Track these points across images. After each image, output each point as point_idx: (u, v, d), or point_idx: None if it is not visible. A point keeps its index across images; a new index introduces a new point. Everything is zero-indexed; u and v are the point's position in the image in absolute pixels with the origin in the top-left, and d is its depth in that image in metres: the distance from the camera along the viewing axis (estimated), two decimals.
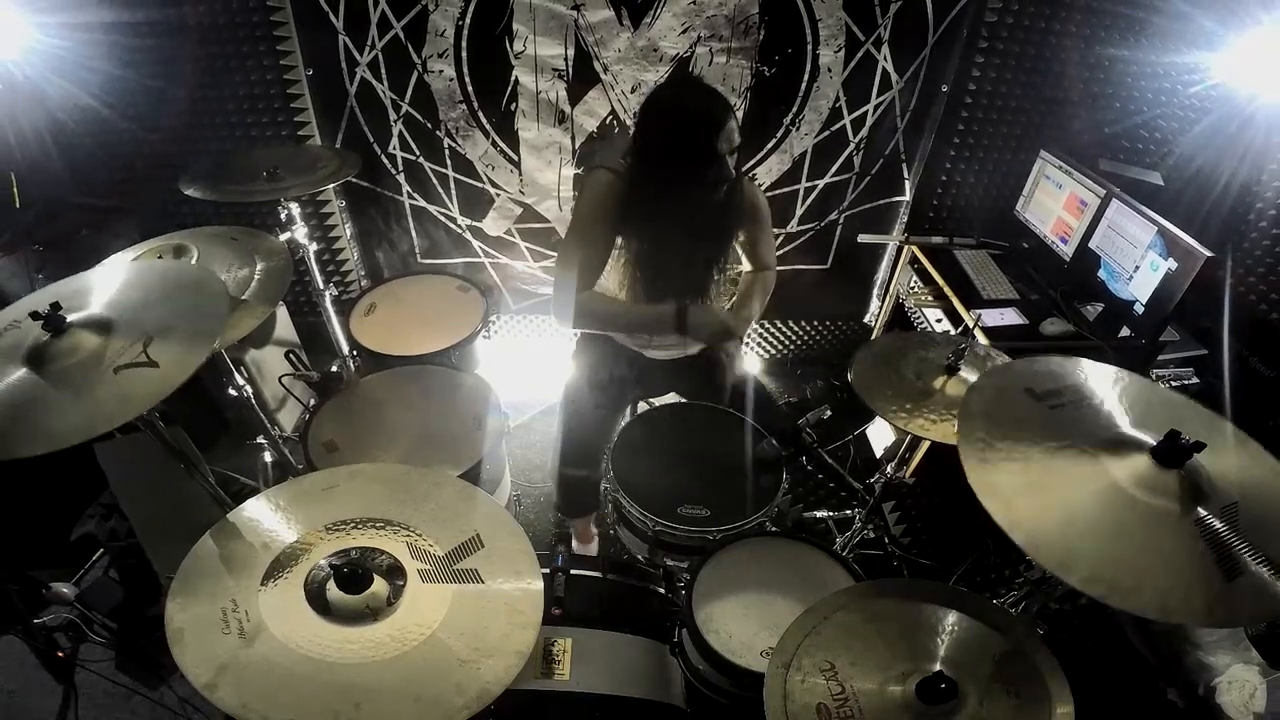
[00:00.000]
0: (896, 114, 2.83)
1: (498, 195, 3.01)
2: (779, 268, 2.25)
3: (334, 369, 2.59)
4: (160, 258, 2.05)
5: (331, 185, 2.57)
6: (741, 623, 1.59)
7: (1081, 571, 1.08)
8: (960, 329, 2.69)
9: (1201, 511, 1.16)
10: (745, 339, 2.03)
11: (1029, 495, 1.19)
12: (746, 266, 2.23)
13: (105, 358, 1.34)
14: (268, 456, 2.54)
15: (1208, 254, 2.13)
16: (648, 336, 2.16)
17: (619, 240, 1.96)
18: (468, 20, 2.55)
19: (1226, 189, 2.41)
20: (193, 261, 2.04)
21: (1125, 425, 1.31)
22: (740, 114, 2.77)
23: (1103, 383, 1.41)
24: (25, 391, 1.31)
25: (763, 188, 2.96)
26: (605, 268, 2.01)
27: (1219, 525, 1.14)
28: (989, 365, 2.00)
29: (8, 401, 1.29)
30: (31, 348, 1.36)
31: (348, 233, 3.16)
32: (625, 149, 1.95)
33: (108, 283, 1.53)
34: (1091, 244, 2.54)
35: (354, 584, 1.20)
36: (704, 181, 1.82)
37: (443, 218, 3.08)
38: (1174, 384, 2.52)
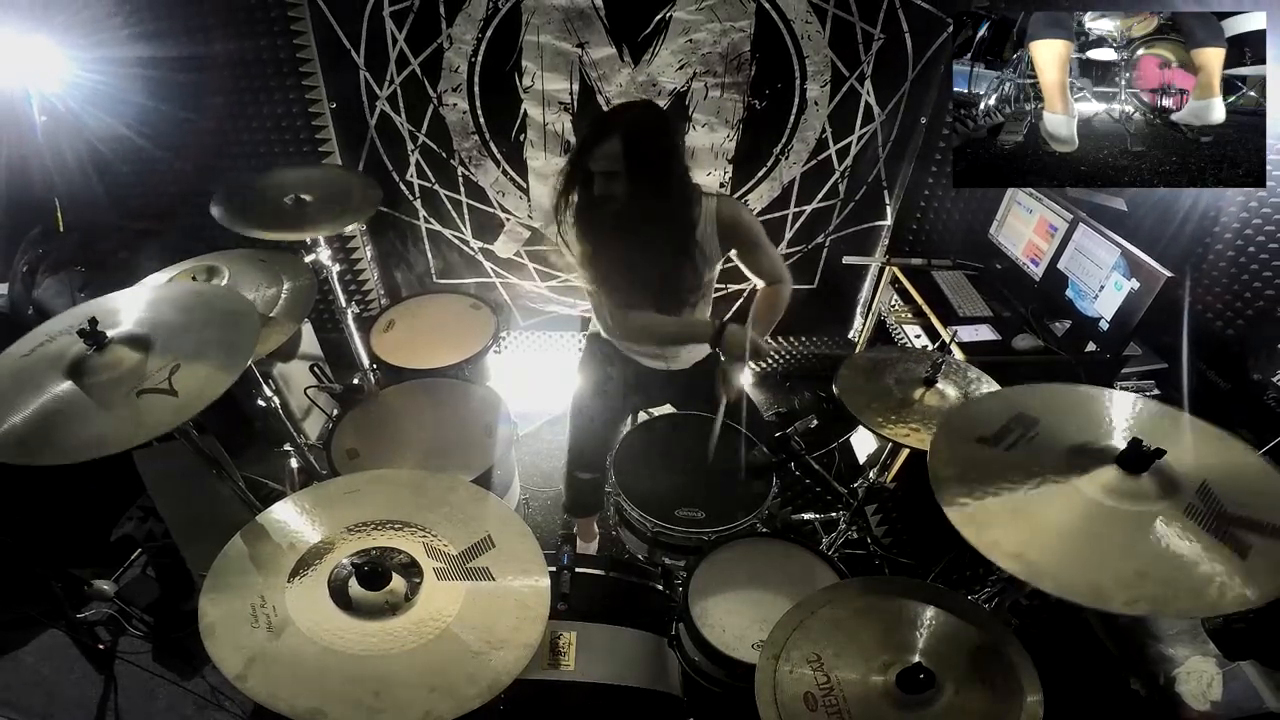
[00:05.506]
0: (879, 144, 2.85)
1: (508, 220, 3.03)
2: None
3: (355, 381, 2.60)
4: (195, 278, 2.07)
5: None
6: (734, 617, 1.60)
7: (1122, 597, 1.03)
8: (937, 344, 2.70)
9: (1185, 502, 1.12)
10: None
11: (1026, 535, 1.13)
12: (759, 283, 2.17)
13: (142, 375, 1.34)
14: (294, 463, 2.55)
15: (1168, 274, 2.14)
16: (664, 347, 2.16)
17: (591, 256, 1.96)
18: (480, 57, 2.58)
19: (1187, 214, 2.42)
20: (224, 281, 2.05)
21: (1078, 438, 1.27)
22: (733, 145, 2.80)
23: (1044, 403, 1.38)
24: (65, 401, 1.31)
25: (754, 213, 2.97)
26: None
27: (1205, 509, 1.10)
28: (964, 376, 2.02)
29: (52, 410, 1.29)
30: (73, 360, 1.36)
31: (368, 255, 3.19)
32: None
33: (148, 302, 1.54)
34: (1060, 265, 2.56)
35: (374, 581, 1.21)
36: (644, 186, 1.78)
37: (456, 240, 3.10)
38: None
